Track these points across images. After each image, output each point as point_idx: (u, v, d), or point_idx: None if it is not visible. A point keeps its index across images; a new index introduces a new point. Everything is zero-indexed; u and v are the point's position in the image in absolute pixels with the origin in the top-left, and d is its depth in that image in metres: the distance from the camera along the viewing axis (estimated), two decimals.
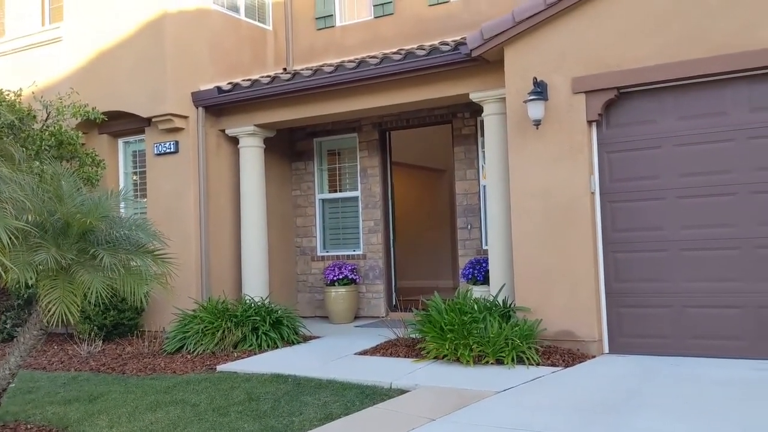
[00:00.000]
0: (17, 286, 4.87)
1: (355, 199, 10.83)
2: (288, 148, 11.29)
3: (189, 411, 5.80)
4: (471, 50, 7.57)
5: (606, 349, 7.07)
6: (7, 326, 9.58)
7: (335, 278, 10.17)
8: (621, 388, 5.78)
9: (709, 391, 5.52)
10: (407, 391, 6.05)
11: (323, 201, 11.17)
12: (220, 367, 7.39)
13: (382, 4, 10.52)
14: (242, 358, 7.80)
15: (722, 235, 6.60)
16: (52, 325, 4.74)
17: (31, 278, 4.43)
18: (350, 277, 10.21)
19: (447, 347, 6.86)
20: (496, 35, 7.39)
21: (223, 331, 8.15)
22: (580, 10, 7.07)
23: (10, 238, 4.11)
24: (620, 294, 7.05)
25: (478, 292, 8.54)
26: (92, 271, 4.64)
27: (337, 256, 10.87)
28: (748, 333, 6.45)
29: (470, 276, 9.04)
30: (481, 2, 9.70)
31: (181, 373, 7.33)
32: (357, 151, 10.81)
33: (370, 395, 5.98)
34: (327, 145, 11.20)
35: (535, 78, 7.12)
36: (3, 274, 4.32)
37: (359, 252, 10.72)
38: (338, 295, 10.20)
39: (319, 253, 11.09)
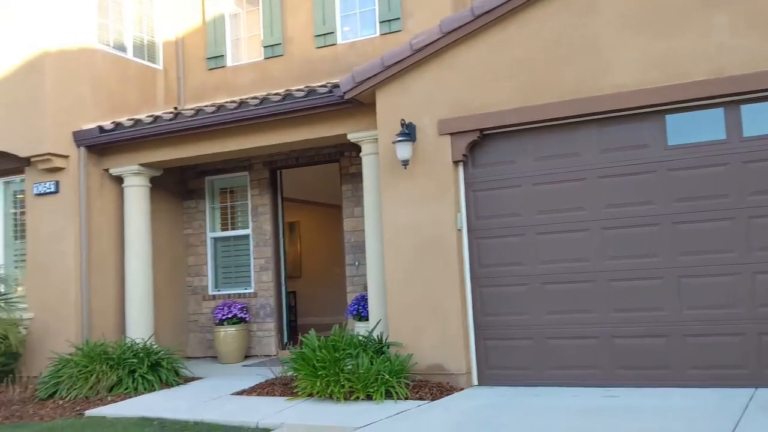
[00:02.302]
0: None
1: (247, 237, 10.84)
2: (179, 186, 11.23)
3: None
4: (344, 93, 7.80)
5: (475, 381, 7.28)
6: None
7: (224, 317, 10.10)
8: (478, 420, 5.97)
9: (557, 420, 5.77)
10: (271, 430, 6.08)
11: (215, 239, 11.12)
12: (89, 412, 7.22)
13: (272, 46, 10.70)
14: (116, 401, 7.65)
15: (577, 269, 6.95)
16: None
17: None
18: (240, 315, 10.16)
19: (318, 384, 6.92)
20: (367, 79, 7.65)
21: (98, 375, 7.97)
22: (444, 56, 7.41)
23: None
24: (487, 327, 7.30)
25: (361, 328, 8.67)
26: None
27: (229, 295, 10.80)
28: (603, 362, 6.78)
29: (355, 312, 9.16)
30: (366, 45, 10.01)
31: (48, 419, 7.13)
32: (248, 189, 10.85)
33: None
34: (219, 184, 11.21)
35: (402, 120, 7.38)
36: None
37: (250, 290, 10.70)
38: (227, 334, 10.12)
39: (210, 292, 11.00)
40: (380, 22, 9.99)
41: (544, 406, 6.23)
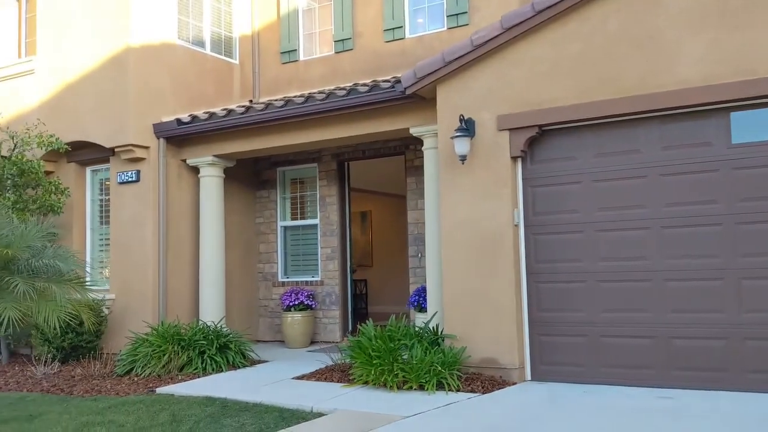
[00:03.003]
0: None
1: (315, 226, 11.17)
2: (253, 177, 11.67)
3: (113, 430, 6.09)
4: (405, 88, 7.93)
5: (528, 376, 7.32)
6: None
7: (291, 304, 10.47)
8: (524, 414, 6.04)
9: (605, 420, 5.76)
10: (324, 415, 6.32)
11: (285, 228, 11.51)
12: (159, 390, 7.67)
13: (342, 41, 10.94)
14: (185, 380, 8.09)
15: (635, 267, 6.87)
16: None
17: None
18: (306, 302, 10.50)
19: (373, 373, 7.13)
20: (428, 74, 7.75)
21: (170, 355, 8.45)
22: (504, 52, 7.42)
23: None
24: (542, 323, 7.31)
25: (421, 319, 8.81)
26: (8, 299, 4.94)
27: (297, 282, 11.17)
28: (658, 362, 6.69)
29: (416, 303, 9.32)
30: (433, 39, 10.10)
31: (123, 394, 7.61)
32: (317, 180, 11.16)
33: (288, 418, 6.25)
34: (290, 174, 11.57)
35: (461, 115, 7.45)
36: None
37: (317, 278, 11.03)
38: (294, 320, 10.49)
39: (280, 279, 11.40)
40: (447, 16, 10.06)
41: (594, 405, 6.22)
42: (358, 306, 15.39)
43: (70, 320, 5.21)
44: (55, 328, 5.18)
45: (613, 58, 6.86)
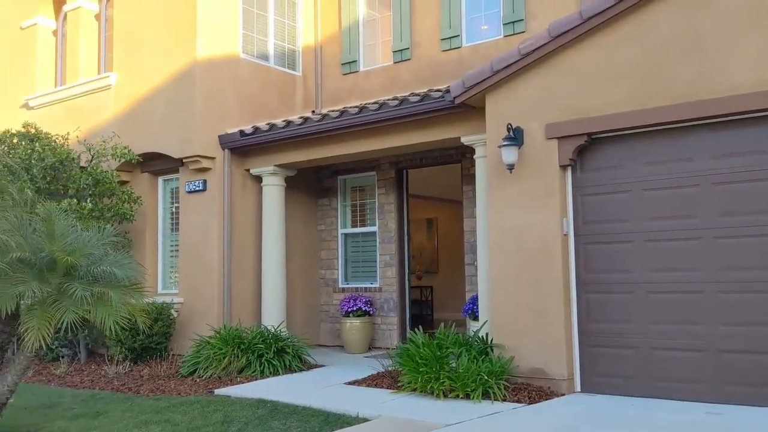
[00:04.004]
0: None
1: (374, 233, 11.35)
2: (315, 185, 11.96)
3: (168, 429, 6.43)
4: (454, 98, 8.00)
5: (578, 388, 7.23)
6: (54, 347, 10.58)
7: (350, 310, 10.68)
8: (565, 426, 6.00)
9: None
10: (368, 420, 6.47)
11: (345, 235, 11.75)
12: (218, 391, 8.01)
13: (401, 50, 11.09)
14: (243, 383, 8.40)
15: (686, 279, 6.71)
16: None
17: (11, 308, 5.19)
18: (364, 308, 10.69)
19: (420, 380, 7.23)
20: (477, 83, 7.79)
21: (230, 358, 8.80)
22: (552, 60, 7.39)
23: None
24: (592, 334, 7.22)
25: (475, 327, 8.84)
26: (68, 303, 5.33)
27: (357, 288, 11.38)
28: (709, 377, 6.51)
29: (470, 311, 9.35)
30: (489, 47, 10.10)
31: (184, 395, 7.99)
32: (375, 189, 11.34)
33: (333, 422, 6.43)
34: (350, 183, 11.80)
35: (509, 124, 7.46)
36: None
37: (376, 285, 11.20)
38: (352, 325, 10.70)
39: (340, 285, 11.64)
40: (504, 24, 10.05)
41: (638, 419, 6.11)
42: (424, 312, 15.46)
43: (124, 325, 5.55)
44: (111, 331, 5.49)
45: (662, 64, 6.73)
